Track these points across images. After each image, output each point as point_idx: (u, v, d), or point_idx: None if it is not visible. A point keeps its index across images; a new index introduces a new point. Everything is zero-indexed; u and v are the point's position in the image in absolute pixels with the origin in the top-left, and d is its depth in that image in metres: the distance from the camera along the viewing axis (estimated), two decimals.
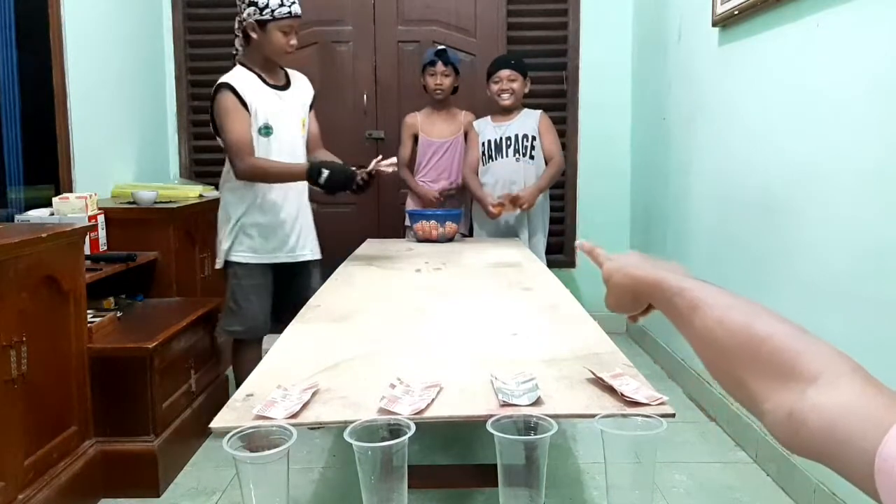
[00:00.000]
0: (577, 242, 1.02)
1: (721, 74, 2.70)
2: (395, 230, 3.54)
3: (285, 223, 2.50)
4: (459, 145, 3.36)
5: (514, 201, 3.08)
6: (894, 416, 0.46)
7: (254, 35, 2.39)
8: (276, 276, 2.56)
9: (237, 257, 2.47)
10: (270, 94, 2.44)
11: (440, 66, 3.23)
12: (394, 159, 2.43)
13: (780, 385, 0.57)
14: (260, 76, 2.44)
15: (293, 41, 2.43)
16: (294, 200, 2.53)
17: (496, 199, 3.13)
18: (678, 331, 0.73)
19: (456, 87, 3.34)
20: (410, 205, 3.37)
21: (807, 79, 2.06)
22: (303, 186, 2.56)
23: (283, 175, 2.43)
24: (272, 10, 2.34)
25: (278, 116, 2.45)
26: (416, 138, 3.38)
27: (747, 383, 0.60)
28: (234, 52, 2.51)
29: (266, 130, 2.41)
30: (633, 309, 0.86)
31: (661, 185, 3.41)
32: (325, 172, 2.30)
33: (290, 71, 2.58)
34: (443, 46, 3.39)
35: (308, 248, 2.60)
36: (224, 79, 2.38)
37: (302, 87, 2.60)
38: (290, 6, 2.38)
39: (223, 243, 2.48)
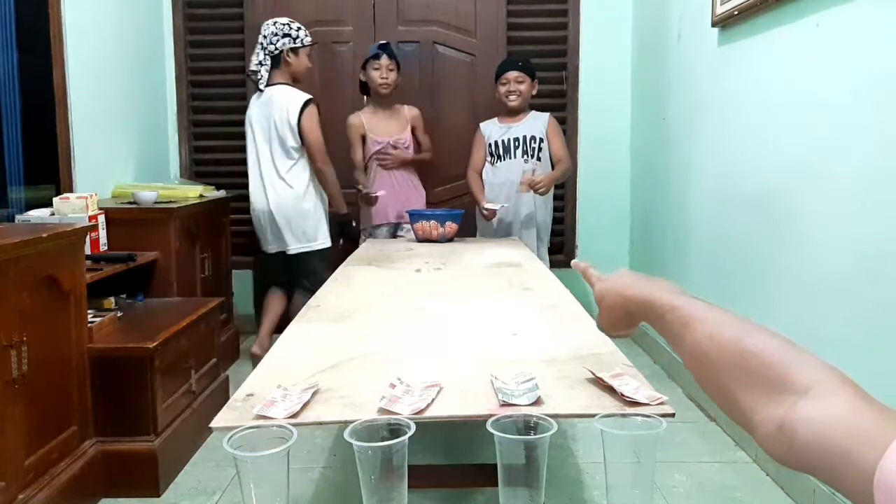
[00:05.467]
0: (573, 262, 1.05)
1: (721, 74, 2.70)
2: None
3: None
4: (408, 142, 3.30)
5: (532, 184, 3.07)
6: (891, 431, 0.46)
7: (290, 60, 3.07)
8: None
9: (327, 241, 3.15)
10: None
11: (385, 60, 3.18)
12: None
13: (770, 398, 0.57)
14: None
15: None
16: None
17: (495, 205, 3.12)
18: (671, 347, 0.73)
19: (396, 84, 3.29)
20: (366, 210, 3.32)
21: (807, 79, 2.06)
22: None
23: (338, 191, 3.17)
24: (302, 39, 3.08)
25: None
26: (364, 139, 3.30)
27: (737, 397, 0.61)
28: (252, 71, 3.09)
29: None
30: (627, 328, 0.88)
31: (661, 185, 3.41)
32: (345, 230, 3.22)
33: None
34: (385, 41, 3.33)
35: None
36: (307, 96, 3.03)
37: None
38: (308, 34, 3.12)
39: (319, 231, 3.11)
